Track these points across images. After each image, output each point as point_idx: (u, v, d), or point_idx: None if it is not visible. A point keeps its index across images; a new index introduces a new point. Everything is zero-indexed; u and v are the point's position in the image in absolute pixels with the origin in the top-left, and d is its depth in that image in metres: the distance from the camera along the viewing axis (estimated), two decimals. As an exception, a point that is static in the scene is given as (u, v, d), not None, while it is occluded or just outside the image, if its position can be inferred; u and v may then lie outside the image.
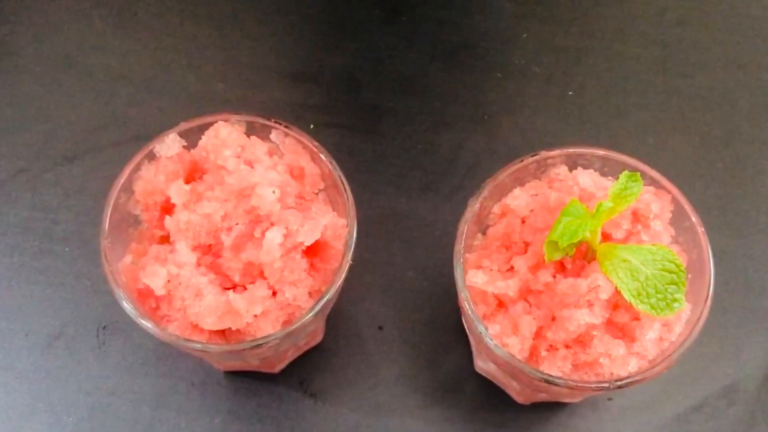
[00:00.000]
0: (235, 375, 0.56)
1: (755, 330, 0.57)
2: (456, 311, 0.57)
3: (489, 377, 0.55)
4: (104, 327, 0.57)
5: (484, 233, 0.49)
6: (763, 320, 0.57)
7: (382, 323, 0.58)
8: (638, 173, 0.42)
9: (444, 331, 0.58)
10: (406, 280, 0.59)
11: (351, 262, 0.45)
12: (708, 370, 0.56)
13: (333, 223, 0.45)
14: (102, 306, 0.58)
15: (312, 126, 0.63)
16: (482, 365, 0.54)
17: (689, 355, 0.56)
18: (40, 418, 0.55)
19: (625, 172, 0.42)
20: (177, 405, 0.55)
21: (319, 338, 0.56)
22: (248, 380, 0.56)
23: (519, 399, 0.54)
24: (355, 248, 0.46)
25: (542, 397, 0.52)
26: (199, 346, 0.43)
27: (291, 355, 0.55)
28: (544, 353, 0.44)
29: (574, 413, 0.56)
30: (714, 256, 0.45)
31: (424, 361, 0.57)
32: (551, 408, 0.55)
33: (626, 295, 0.41)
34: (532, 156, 0.47)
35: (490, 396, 0.56)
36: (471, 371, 0.56)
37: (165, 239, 0.46)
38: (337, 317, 0.57)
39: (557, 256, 0.43)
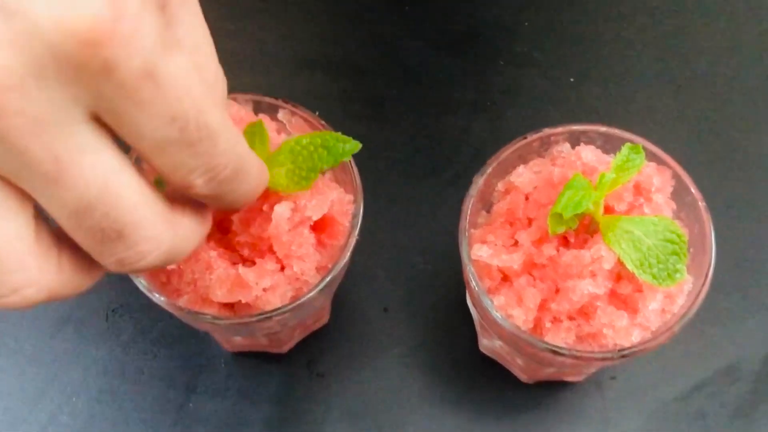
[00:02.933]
0: (243, 356, 0.57)
1: (756, 309, 0.58)
2: (460, 293, 0.58)
3: (493, 356, 0.56)
4: (113, 310, 0.58)
5: (488, 211, 0.50)
6: (764, 299, 0.58)
7: (387, 305, 0.59)
8: (640, 145, 0.43)
9: (448, 312, 0.59)
10: (411, 262, 0.60)
11: (358, 237, 0.46)
12: (709, 349, 0.57)
13: (340, 199, 0.46)
14: (111, 289, 0.58)
15: (317, 113, 0.64)
16: (487, 344, 0.55)
17: (691, 335, 0.56)
18: (50, 400, 0.55)
19: (627, 144, 0.43)
20: (185, 386, 0.56)
21: (325, 319, 0.57)
22: (256, 361, 0.57)
23: (523, 377, 0.55)
24: (360, 232, 0.46)
25: (546, 373, 0.52)
26: (209, 318, 0.43)
27: (298, 335, 0.55)
28: (548, 325, 0.44)
29: (577, 392, 0.56)
30: (716, 235, 0.46)
31: (429, 342, 0.58)
32: (555, 387, 0.56)
33: (629, 265, 0.42)
34: (535, 133, 0.48)
35: (495, 376, 0.56)
36: (476, 352, 0.57)
37: (174, 216, 0.46)
38: (342, 299, 0.58)
39: (561, 229, 0.43)
